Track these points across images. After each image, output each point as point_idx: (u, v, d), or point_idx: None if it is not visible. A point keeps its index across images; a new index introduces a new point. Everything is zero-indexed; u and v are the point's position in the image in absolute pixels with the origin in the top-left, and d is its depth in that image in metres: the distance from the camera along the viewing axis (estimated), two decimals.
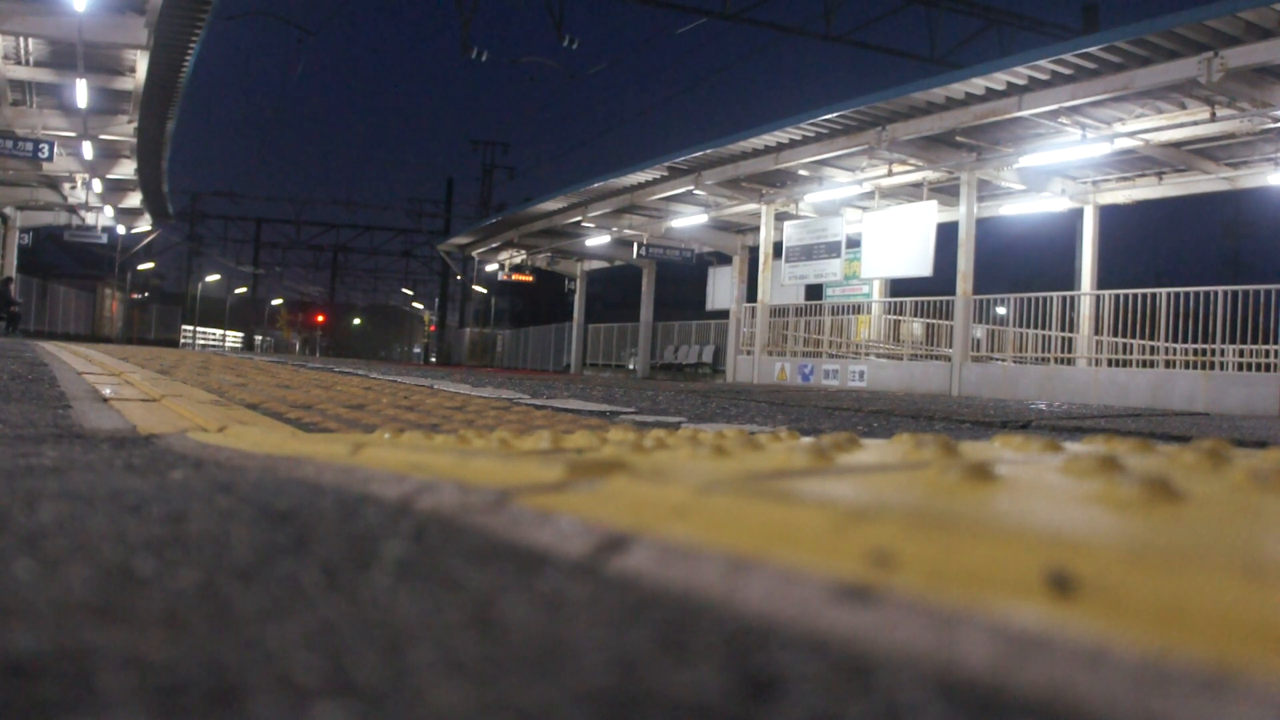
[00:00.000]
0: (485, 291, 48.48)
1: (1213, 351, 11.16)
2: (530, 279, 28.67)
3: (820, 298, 17.68)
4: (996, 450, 1.72)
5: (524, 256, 27.37)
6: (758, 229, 18.19)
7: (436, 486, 1.27)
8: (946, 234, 14.51)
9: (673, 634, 0.70)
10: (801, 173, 16.03)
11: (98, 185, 25.99)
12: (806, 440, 1.79)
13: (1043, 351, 13.57)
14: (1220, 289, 11.13)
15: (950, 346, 14.30)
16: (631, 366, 25.45)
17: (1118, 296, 12.47)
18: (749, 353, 17.68)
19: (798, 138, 14.51)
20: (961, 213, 13.66)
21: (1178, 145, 12.51)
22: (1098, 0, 22.00)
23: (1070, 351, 13.89)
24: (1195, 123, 11.28)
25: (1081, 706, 0.54)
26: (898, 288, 17.53)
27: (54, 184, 26.08)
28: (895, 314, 16.66)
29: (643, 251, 22.11)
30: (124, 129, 20.64)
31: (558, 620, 0.73)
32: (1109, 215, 15.46)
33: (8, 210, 27.80)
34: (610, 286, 43.75)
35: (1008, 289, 15.82)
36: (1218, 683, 0.53)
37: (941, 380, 13.66)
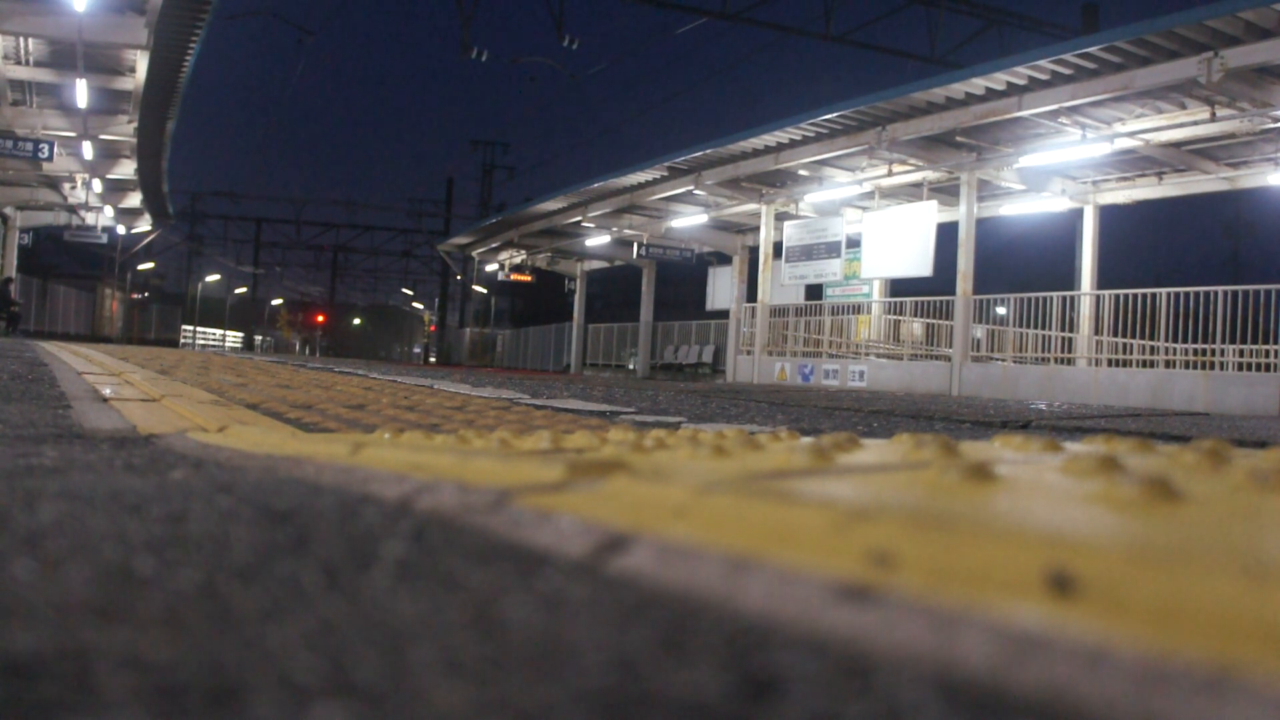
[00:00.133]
0: (485, 291, 48.48)
1: (1213, 351, 11.16)
2: (530, 279, 28.66)
3: (820, 298, 17.68)
4: (996, 450, 1.72)
5: (524, 256, 27.38)
6: (758, 229, 18.19)
7: (436, 486, 1.27)
8: (946, 234, 14.51)
9: (673, 634, 0.70)
10: (801, 173, 16.03)
11: (98, 185, 25.99)
12: (806, 440, 1.79)
13: (1043, 351, 13.57)
14: (1220, 289, 11.13)
15: (950, 346, 14.30)
16: (631, 366, 25.45)
17: (1118, 296, 12.47)
18: (749, 353, 17.68)
19: (798, 138, 14.51)
20: (961, 213, 13.66)
21: (1178, 145, 12.51)
22: (1098, 0, 22.00)
23: (1070, 351, 13.89)
24: (1195, 123, 11.29)
25: (1081, 706, 0.54)
26: (898, 288, 17.54)
27: (54, 184, 26.08)
28: (895, 314, 16.66)
29: (643, 251, 22.11)
30: (124, 129, 20.65)
31: (558, 620, 0.73)
32: (1109, 215, 15.46)
33: (8, 210, 27.81)
34: (610, 286, 43.77)
35: (1008, 289, 15.83)
36: (1218, 683, 0.53)
37: (941, 380, 13.66)
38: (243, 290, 57.73)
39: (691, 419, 4.50)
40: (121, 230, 31.23)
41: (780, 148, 15.05)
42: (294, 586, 0.83)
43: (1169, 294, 11.71)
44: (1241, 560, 0.67)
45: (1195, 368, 11.38)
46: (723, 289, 21.52)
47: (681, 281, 32.75)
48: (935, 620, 0.65)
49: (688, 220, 20.19)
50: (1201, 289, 11.32)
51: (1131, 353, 12.35)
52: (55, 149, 19.94)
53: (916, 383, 14.03)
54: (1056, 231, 19.80)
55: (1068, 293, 13.63)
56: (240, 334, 57.78)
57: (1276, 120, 10.71)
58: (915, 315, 16.26)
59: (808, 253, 16.92)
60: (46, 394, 3.76)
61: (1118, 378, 11.63)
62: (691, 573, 0.83)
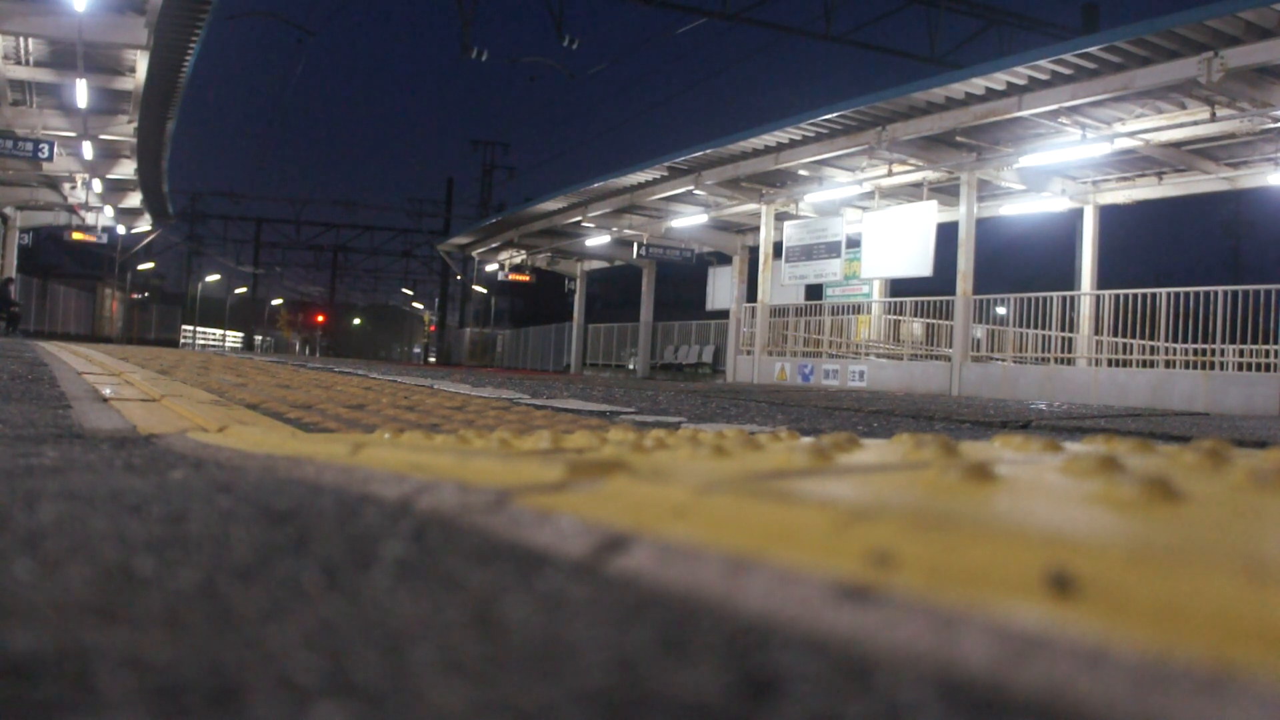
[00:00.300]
0: (485, 291, 48.49)
1: (1213, 351, 11.16)
2: (530, 279, 28.66)
3: (820, 298, 17.68)
4: (996, 450, 1.72)
5: (524, 256, 27.38)
6: (758, 229, 18.19)
7: (436, 486, 1.27)
8: (946, 234, 14.51)
9: (673, 634, 0.70)
10: (801, 173, 16.03)
11: (98, 185, 25.99)
12: (806, 440, 1.79)
13: (1043, 351, 13.57)
14: (1220, 289, 11.13)
15: (950, 346, 14.30)
16: (631, 366, 25.45)
17: (1118, 296, 12.47)
18: (749, 353, 17.69)
19: (798, 138, 14.51)
20: (961, 213, 13.66)
21: (1178, 145, 12.51)
22: (1098, 0, 22.01)
23: (1070, 351, 13.89)
24: (1195, 123, 11.29)
25: (1081, 706, 0.54)
26: (898, 288, 17.54)
27: (54, 184, 26.08)
28: (895, 314, 16.66)
29: (643, 251, 22.11)
30: (124, 129, 20.64)
31: (558, 620, 0.73)
32: (1109, 215, 15.46)
33: (8, 210, 27.81)
34: (610, 286, 43.77)
35: (1008, 289, 15.84)
36: (1218, 683, 0.53)
37: (941, 380, 13.66)
38: (243, 290, 57.74)
39: (691, 419, 4.50)
40: (121, 230, 31.22)
41: (780, 148, 15.05)
42: (294, 586, 0.83)
43: (1169, 294, 11.71)
44: (1241, 560, 0.67)
45: (1195, 368, 11.38)
46: (723, 289, 21.53)
47: (681, 281, 32.75)
48: (935, 620, 0.65)
49: (688, 220, 20.19)
50: (1201, 289, 11.32)
51: (1131, 353, 12.35)
52: (55, 149, 19.93)
53: (916, 383, 14.03)
54: (1056, 231, 19.83)
55: (1068, 293, 13.63)
56: (240, 334, 57.78)
57: (1276, 120, 10.71)
58: (915, 315, 16.26)
59: (808, 253, 16.92)
60: (46, 394, 3.76)
61: (1118, 378, 11.63)
62: (691, 573, 0.83)
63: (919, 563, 0.73)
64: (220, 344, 53.93)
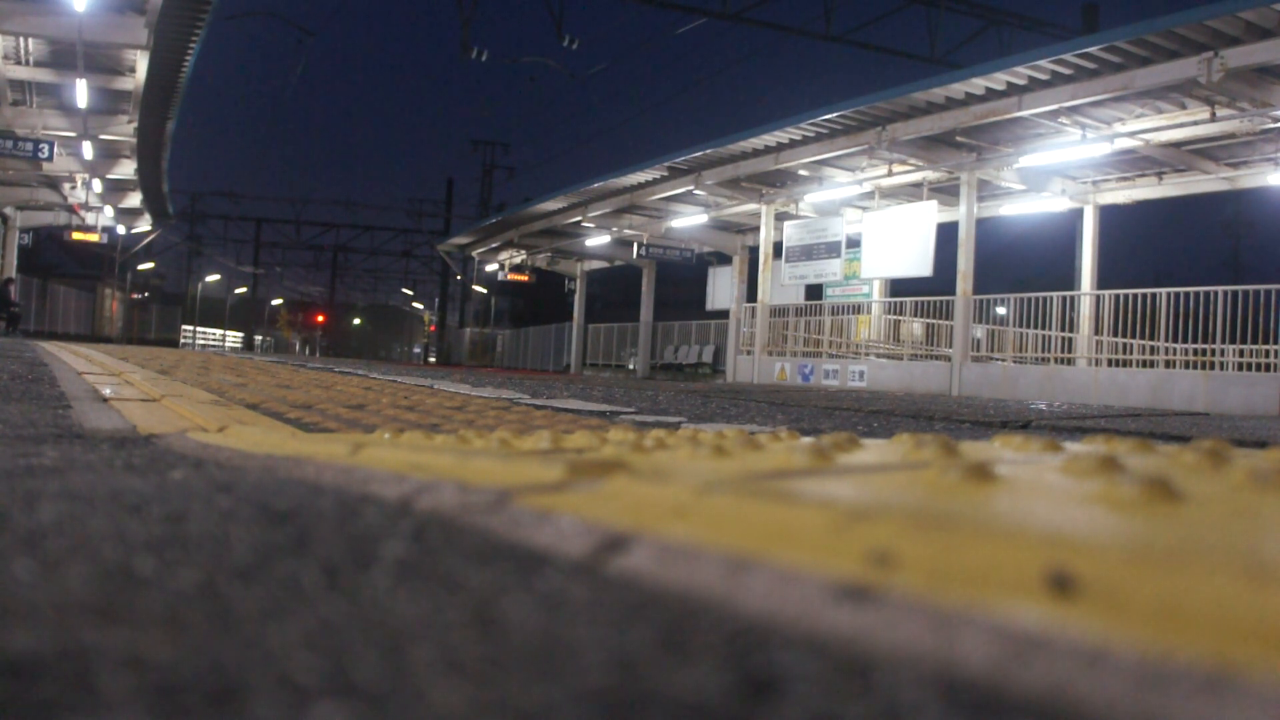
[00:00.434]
0: (485, 291, 48.49)
1: (1213, 351, 11.16)
2: (530, 279, 28.66)
3: (820, 298, 17.68)
4: (996, 450, 1.72)
5: (524, 256, 27.37)
6: (758, 229, 18.19)
7: (436, 486, 1.27)
8: (946, 234, 14.51)
9: (673, 634, 0.70)
10: (801, 173, 16.03)
11: (98, 185, 25.99)
12: (806, 440, 1.79)
13: (1043, 351, 13.57)
14: (1220, 289, 11.13)
15: (950, 346, 14.30)
16: (631, 366, 25.46)
17: (1118, 296, 12.47)
18: (749, 353, 17.69)
19: (798, 138, 14.52)
20: (961, 213, 13.66)
21: (1178, 145, 12.51)
22: (1098, 0, 22.01)
23: (1070, 351, 13.89)
24: (1195, 123, 11.28)
25: (1081, 706, 0.54)
26: (898, 288, 17.54)
27: (54, 184, 26.08)
28: (895, 314, 16.67)
29: (643, 251, 22.11)
30: (124, 129, 20.64)
31: (558, 620, 0.73)
32: (1109, 215, 15.46)
33: (8, 210, 27.81)
34: (610, 286, 43.75)
35: (1008, 289, 15.85)
36: (1218, 683, 0.53)
37: (941, 380, 13.66)
38: (243, 290, 57.74)
39: (691, 419, 4.50)
40: (121, 230, 31.22)
41: (780, 148, 15.05)
42: (294, 586, 0.83)
43: (1169, 294, 11.71)
44: (1241, 560, 0.67)
45: (1195, 368, 11.38)
46: (723, 289, 21.52)
47: (681, 281, 32.74)
48: (935, 620, 0.65)
49: (688, 220, 20.19)
50: (1201, 289, 11.32)
51: (1131, 353, 12.35)
52: (55, 149, 19.93)
53: (916, 383, 14.03)
54: (1056, 231, 19.82)
55: (1068, 293, 13.63)
56: (240, 334, 57.78)
57: (1276, 120, 10.70)
58: (915, 315, 16.26)
59: (808, 253, 16.92)
60: (46, 394, 3.76)
61: (1118, 378, 11.63)
62: (691, 573, 0.83)
63: (919, 563, 0.73)
64: (220, 344, 53.93)
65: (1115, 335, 12.60)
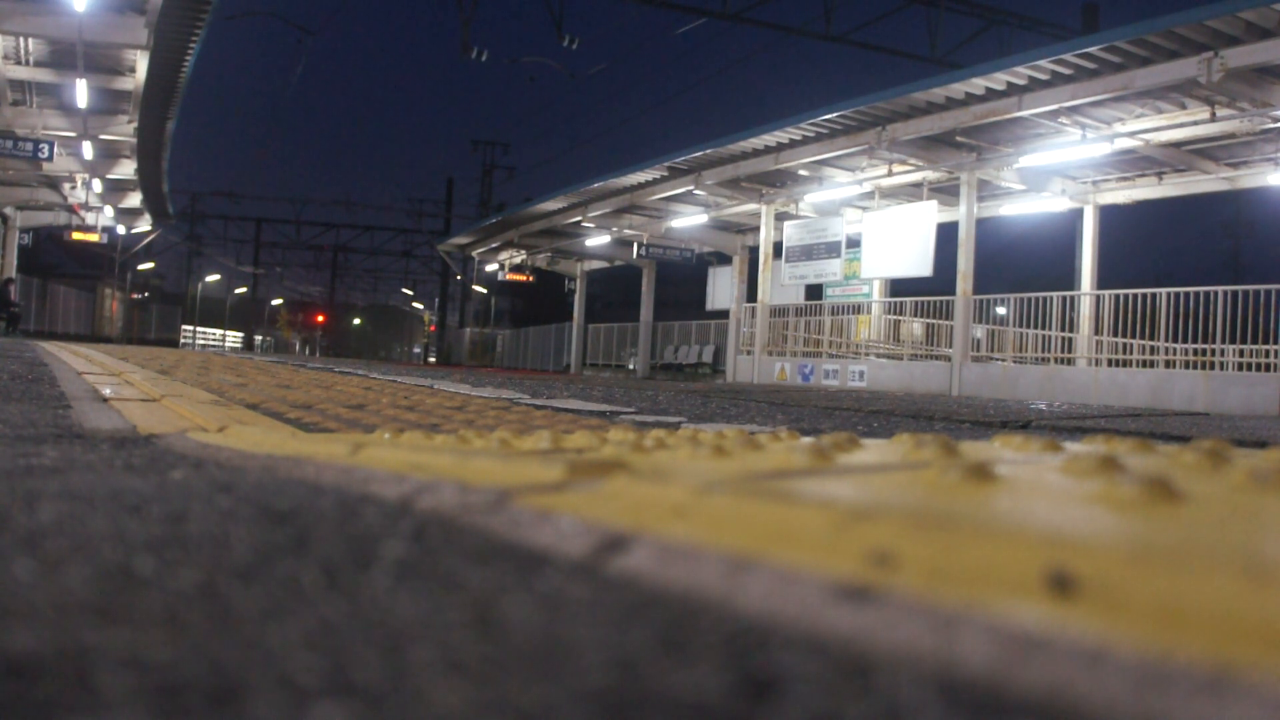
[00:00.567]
0: (485, 291, 48.48)
1: (1213, 351, 11.16)
2: (530, 279, 28.66)
3: (820, 298, 17.68)
4: (996, 450, 1.72)
5: (524, 256, 27.37)
6: (758, 229, 18.19)
7: (436, 486, 1.27)
8: (946, 234, 14.51)
9: (673, 634, 0.70)
10: (801, 173, 16.03)
11: (98, 185, 25.99)
12: (806, 440, 1.79)
13: (1043, 351, 13.57)
14: (1220, 289, 11.13)
15: (950, 346, 14.30)
16: (631, 366, 25.46)
17: (1118, 296, 12.47)
18: (749, 353, 17.69)
19: (798, 138, 14.51)
20: (961, 213, 13.66)
21: (1178, 145, 12.51)
22: (1098, 0, 22.01)
23: (1070, 351, 13.89)
24: (1195, 123, 11.28)
25: (1081, 706, 0.54)
26: (898, 288, 17.54)
27: (54, 184, 26.08)
28: (895, 314, 16.67)
29: (643, 251, 22.11)
30: (124, 129, 20.64)
31: (558, 620, 0.73)
32: (1109, 215, 15.46)
33: (8, 210, 27.81)
34: (610, 286, 43.76)
35: (1008, 289, 15.84)
36: (1218, 683, 0.53)
37: (941, 380, 13.66)
38: (243, 290, 57.73)
39: (691, 419, 4.50)
40: (121, 230, 31.23)
41: (780, 148, 15.05)
42: (294, 586, 0.83)
43: (1169, 294, 11.71)
44: (1241, 560, 0.67)
45: (1195, 368, 11.38)
46: (723, 289, 21.52)
47: (681, 281, 32.74)
48: (935, 620, 0.65)
49: (688, 220, 20.19)
50: (1201, 289, 11.32)
51: (1131, 353, 12.35)
52: (55, 149, 19.93)
53: (916, 383, 14.03)
54: (1056, 231, 19.82)
55: (1068, 293, 13.63)
56: (240, 334, 57.78)
57: (1276, 120, 10.70)
58: (915, 315, 16.26)
59: (808, 253, 16.92)
60: (46, 394, 3.76)
61: (1118, 378, 11.63)
62: (691, 573, 0.83)
63: (919, 563, 0.73)
64: (220, 344, 53.94)
65: (1115, 335, 12.60)
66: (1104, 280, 15.38)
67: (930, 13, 20.54)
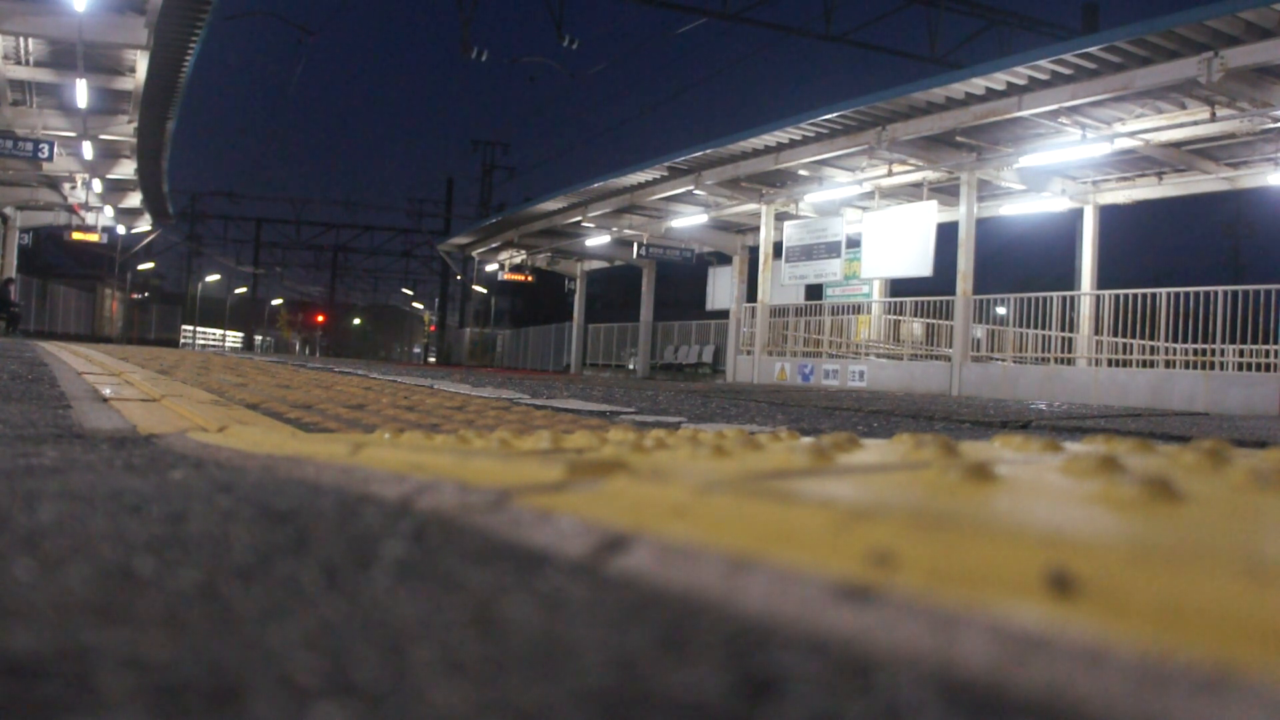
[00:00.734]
0: (485, 291, 48.48)
1: (1213, 351, 11.16)
2: (530, 279, 28.66)
3: (820, 298, 17.68)
4: (996, 450, 1.72)
5: (524, 256, 27.37)
6: (758, 229, 18.19)
7: (436, 486, 1.27)
8: (946, 234, 14.51)
9: (673, 634, 0.70)
10: (801, 173, 16.03)
11: (98, 185, 25.99)
12: (806, 440, 1.79)
13: (1043, 351, 13.57)
14: (1220, 289, 11.13)
15: (950, 346, 14.30)
16: (631, 366, 25.46)
17: (1118, 296, 12.47)
18: (749, 353, 17.69)
19: (798, 138, 14.51)
20: (961, 213, 13.66)
21: (1178, 145, 12.51)
22: (1098, 0, 22.01)
23: (1070, 351, 13.89)
24: (1195, 123, 11.28)
25: (1081, 706, 0.54)
26: (898, 288, 17.54)
27: (54, 184, 26.08)
28: (895, 314, 16.67)
29: (643, 251, 22.11)
30: (124, 129, 20.64)
31: (558, 620, 0.73)
32: (1109, 215, 15.46)
33: (8, 210, 27.81)
34: (610, 286, 43.75)
35: (1008, 289, 15.86)
36: (1218, 683, 0.53)
37: (941, 380, 13.66)
38: (243, 290, 57.74)
39: (691, 419, 4.50)
40: (121, 230, 31.22)
41: (780, 148, 15.05)
42: (294, 586, 0.83)
43: (1169, 294, 11.71)
44: (1241, 560, 0.67)
45: (1195, 368, 11.38)
46: (723, 289, 21.52)
47: (681, 281, 32.73)
48: (935, 620, 0.65)
49: (688, 220, 20.19)
50: (1201, 289, 11.32)
51: (1131, 353, 12.35)
52: (55, 149, 19.93)
53: (916, 383, 14.03)
54: (1056, 231, 19.82)
55: (1068, 293, 13.63)
56: (240, 334, 57.78)
57: (1276, 120, 10.70)
58: (915, 315, 16.26)
59: (808, 253, 16.92)
60: (46, 394, 3.76)
61: (1118, 378, 11.63)
62: (691, 573, 0.83)
63: (919, 563, 0.73)
64: (220, 344, 53.94)
65: (1115, 335, 12.60)
66: (1104, 280, 15.38)
67: (930, 13, 20.54)
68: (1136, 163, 13.75)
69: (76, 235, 27.95)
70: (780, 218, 17.57)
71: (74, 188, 26.26)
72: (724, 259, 22.00)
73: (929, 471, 1.17)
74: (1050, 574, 0.67)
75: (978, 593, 0.67)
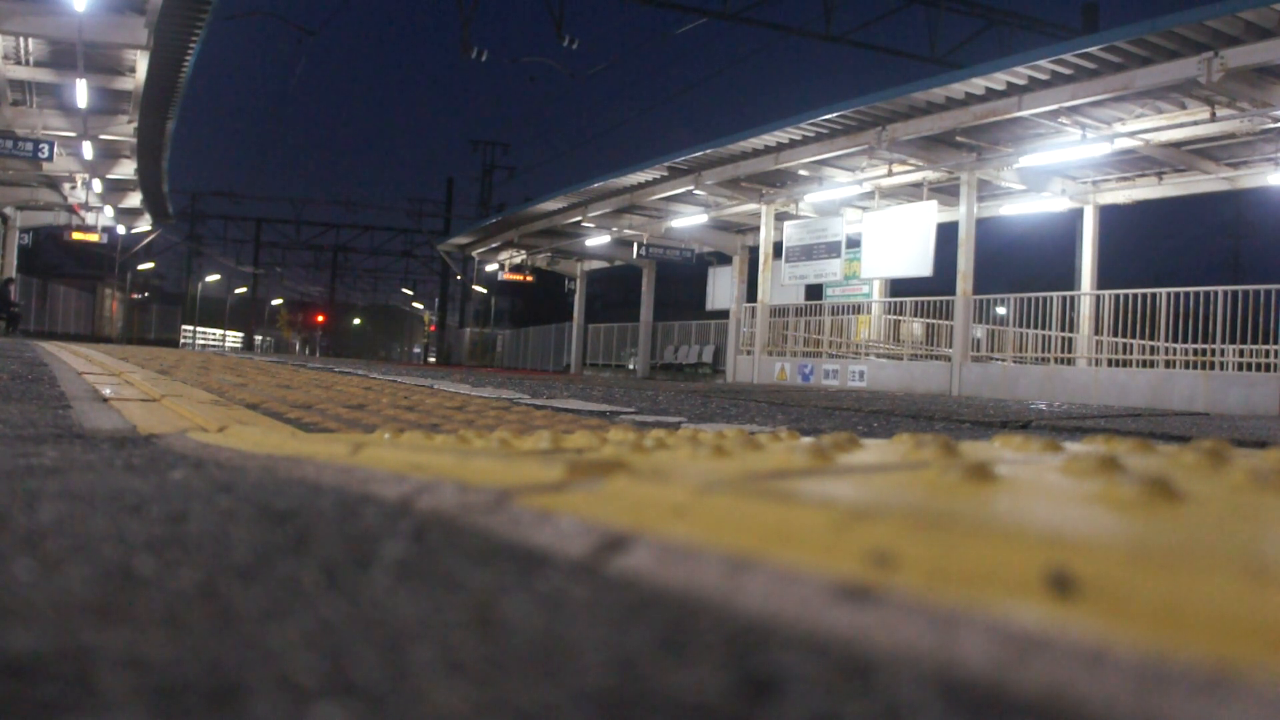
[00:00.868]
0: (485, 291, 48.48)
1: (1213, 351, 11.16)
2: (530, 279, 28.66)
3: (820, 298, 17.68)
4: (996, 450, 1.72)
5: (524, 256, 27.37)
6: (758, 229, 18.20)
7: (436, 486, 1.27)
8: (946, 234, 14.51)
9: (673, 634, 0.70)
10: (801, 173, 16.03)
11: (98, 185, 26.00)
12: (806, 440, 1.79)
13: (1043, 351, 13.57)
14: (1220, 289, 11.13)
15: (950, 346, 14.30)
16: (631, 366, 25.46)
17: (1118, 296, 12.47)
18: (749, 353, 17.69)
19: (798, 138, 14.51)
20: (961, 213, 13.66)
21: (1178, 145, 12.51)
22: (1098, 0, 22.01)
23: (1070, 351, 13.89)
24: (1195, 123, 11.28)
25: (1081, 706, 0.54)
26: (898, 288, 17.54)
27: (54, 184, 26.08)
28: (895, 314, 16.67)
29: (643, 251, 22.11)
30: (124, 129, 20.65)
31: (558, 620, 0.73)
32: (1109, 215, 15.46)
33: (8, 210, 27.81)
34: (610, 286, 43.76)
35: (1008, 289, 15.84)
36: (1218, 683, 0.53)
37: (941, 380, 13.66)
38: (243, 290, 57.73)
39: (691, 419, 4.50)
40: (121, 230, 31.22)
41: (780, 148, 15.05)
42: (294, 586, 0.83)
43: (1169, 294, 11.71)
44: (1241, 560, 0.67)
45: (1195, 368, 11.38)
46: (723, 289, 21.53)
47: (681, 281, 32.75)
48: (935, 620, 0.65)
49: (688, 220, 20.19)
50: (1201, 289, 11.32)
51: (1131, 353, 12.35)
52: (55, 149, 19.94)
53: (916, 383, 14.03)
54: (1056, 231, 19.82)
55: (1068, 293, 13.63)
56: (240, 334, 57.78)
57: (1276, 120, 10.70)
58: (915, 315, 16.26)
59: (808, 253, 16.92)
60: (46, 394, 3.76)
61: (1118, 378, 11.63)
62: (691, 573, 0.83)
63: (919, 563, 0.73)
64: (220, 344, 53.94)
65: (1115, 335, 12.60)
66: (1104, 280, 15.39)
67: (930, 13, 20.54)
68: (1136, 163, 13.75)
69: (76, 235, 27.95)
70: (780, 218, 17.57)
71: (74, 188, 26.27)
72: (724, 259, 22.00)
73: (929, 471, 1.17)
74: (1050, 574, 0.67)
75: (978, 593, 0.67)
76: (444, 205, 46.53)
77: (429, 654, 0.65)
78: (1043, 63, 10.64)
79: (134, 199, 27.87)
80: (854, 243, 16.27)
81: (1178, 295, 11.65)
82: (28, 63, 18.06)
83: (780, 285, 17.63)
